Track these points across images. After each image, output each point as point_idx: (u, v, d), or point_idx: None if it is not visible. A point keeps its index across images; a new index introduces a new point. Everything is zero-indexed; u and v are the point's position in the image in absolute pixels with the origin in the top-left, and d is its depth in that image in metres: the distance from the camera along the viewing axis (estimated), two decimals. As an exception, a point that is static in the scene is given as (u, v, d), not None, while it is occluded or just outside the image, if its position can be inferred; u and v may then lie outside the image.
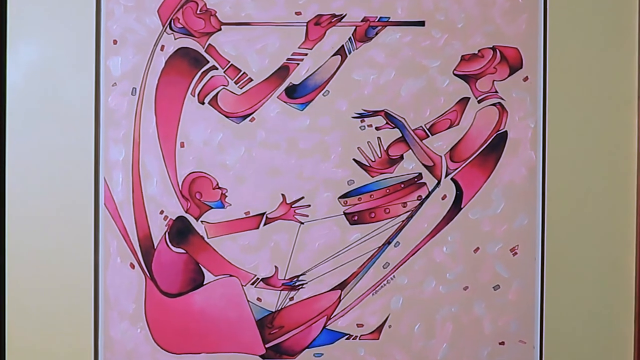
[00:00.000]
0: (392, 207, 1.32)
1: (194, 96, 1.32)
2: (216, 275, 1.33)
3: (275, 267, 1.33)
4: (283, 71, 1.32)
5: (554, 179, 1.32)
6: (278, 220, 1.32)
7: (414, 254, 1.33)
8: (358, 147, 1.32)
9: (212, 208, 1.32)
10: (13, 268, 1.32)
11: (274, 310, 1.33)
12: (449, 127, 1.32)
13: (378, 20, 1.32)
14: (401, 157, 1.33)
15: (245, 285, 1.33)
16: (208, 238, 1.33)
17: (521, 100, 1.33)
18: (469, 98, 1.33)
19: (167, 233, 1.32)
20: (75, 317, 1.32)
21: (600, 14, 1.32)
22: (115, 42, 1.32)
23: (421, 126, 1.32)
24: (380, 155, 1.33)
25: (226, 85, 1.32)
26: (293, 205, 1.32)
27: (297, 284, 1.33)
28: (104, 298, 1.32)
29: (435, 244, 1.33)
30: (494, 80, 1.32)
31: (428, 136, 1.33)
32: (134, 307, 1.32)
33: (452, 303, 1.33)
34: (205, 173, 1.32)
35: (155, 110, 1.31)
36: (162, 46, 1.32)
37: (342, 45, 1.32)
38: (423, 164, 1.33)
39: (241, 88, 1.32)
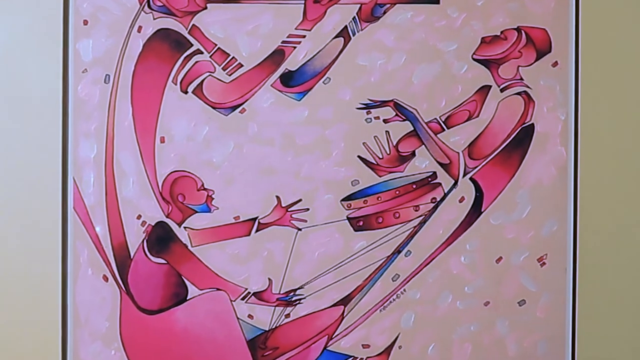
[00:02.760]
0: (402, 211, 1.30)
1: (175, 84, 1.29)
2: (201, 289, 1.29)
3: (269, 279, 1.29)
4: (278, 56, 1.29)
5: (587, 179, 1.29)
6: (272, 226, 1.29)
7: (427, 264, 1.30)
8: (363, 143, 1.29)
9: (196, 212, 1.29)
10: (-32, 281, 1.29)
11: (267, 329, 1.30)
12: (467, 120, 1.30)
13: (386, -3, 1.29)
14: (413, 154, 1.30)
15: (234, 301, 1.29)
16: (192, 246, 1.29)
17: (550, 88, 1.30)
18: (490, 86, 1.30)
19: (145, 241, 1.29)
20: (40, 337, 1.28)
21: (640, -10, 1.30)
22: (85, 22, 1.28)
23: (435, 118, 1.29)
24: (388, 152, 1.29)
25: (212, 72, 1.29)
26: (289, 209, 1.29)
27: (293, 299, 1.30)
28: (73, 315, 1.29)
29: (451, 253, 1.30)
30: (518, 66, 1.29)
31: (443, 130, 1.30)
32: (108, 326, 1.29)
33: (471, 320, 1.30)
34: (188, 172, 1.29)
35: (131, 100, 1.28)
36: (140, 27, 1.29)
37: (345, 26, 1.29)
38: (438, 162, 1.30)
39: (230, 75, 1.29)
